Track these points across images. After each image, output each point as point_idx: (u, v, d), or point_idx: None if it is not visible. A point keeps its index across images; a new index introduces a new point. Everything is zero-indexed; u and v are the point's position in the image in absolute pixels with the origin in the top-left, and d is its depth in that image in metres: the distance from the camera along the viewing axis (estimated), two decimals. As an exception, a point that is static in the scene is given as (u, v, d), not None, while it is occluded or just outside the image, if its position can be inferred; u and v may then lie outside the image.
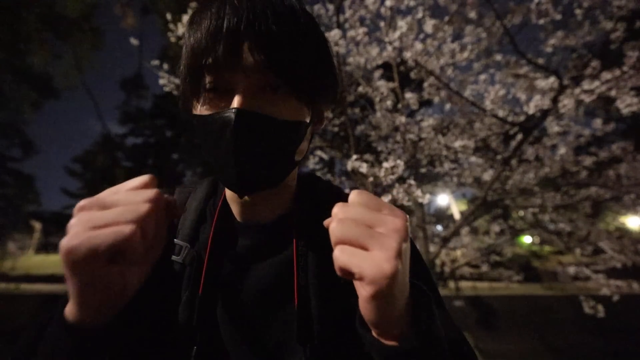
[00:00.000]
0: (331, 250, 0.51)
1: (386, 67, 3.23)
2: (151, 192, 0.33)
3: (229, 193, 0.54)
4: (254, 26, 0.40)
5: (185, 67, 0.44)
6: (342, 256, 0.30)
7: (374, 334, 0.34)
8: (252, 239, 0.52)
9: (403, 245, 0.30)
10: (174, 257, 0.50)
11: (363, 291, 0.30)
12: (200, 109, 0.44)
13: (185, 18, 2.74)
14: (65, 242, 0.29)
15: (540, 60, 2.77)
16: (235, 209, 0.54)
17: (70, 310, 0.34)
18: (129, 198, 0.32)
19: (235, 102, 0.41)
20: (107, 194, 0.33)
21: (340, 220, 0.32)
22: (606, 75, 2.19)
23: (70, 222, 0.31)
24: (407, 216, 0.33)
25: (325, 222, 0.34)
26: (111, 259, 0.30)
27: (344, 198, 0.60)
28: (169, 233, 0.52)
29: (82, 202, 0.32)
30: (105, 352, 0.35)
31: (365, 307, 0.31)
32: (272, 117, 0.42)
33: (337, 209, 0.33)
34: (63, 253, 0.29)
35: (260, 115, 0.41)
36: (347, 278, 0.30)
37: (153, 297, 0.47)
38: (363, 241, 0.30)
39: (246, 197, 0.49)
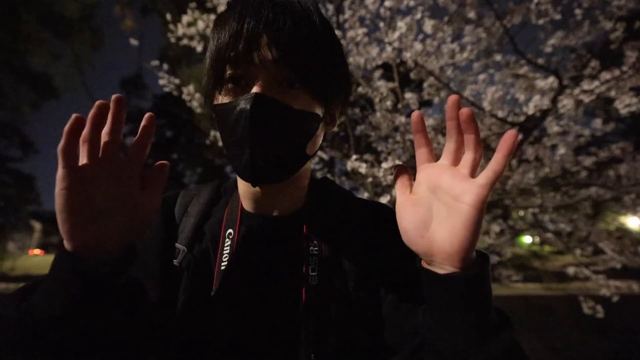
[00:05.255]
0: (341, 249, 0.50)
1: (386, 67, 3.23)
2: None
3: (242, 188, 0.55)
4: (272, 26, 0.43)
5: (209, 63, 0.48)
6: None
7: (441, 267, 0.37)
8: (264, 231, 0.52)
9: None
10: (175, 261, 0.51)
11: (470, 210, 0.34)
12: (222, 100, 0.47)
13: (185, 19, 2.74)
14: None
15: (540, 61, 2.77)
16: (248, 204, 0.54)
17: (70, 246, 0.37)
18: None
19: (254, 89, 0.43)
20: None
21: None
22: (605, 76, 2.19)
23: None
24: None
25: None
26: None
27: (355, 201, 0.59)
28: (171, 236, 0.53)
29: None
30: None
31: (464, 233, 0.35)
32: (287, 105, 0.44)
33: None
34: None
35: (276, 101, 0.44)
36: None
37: (154, 298, 0.48)
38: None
39: (258, 188, 0.50)
